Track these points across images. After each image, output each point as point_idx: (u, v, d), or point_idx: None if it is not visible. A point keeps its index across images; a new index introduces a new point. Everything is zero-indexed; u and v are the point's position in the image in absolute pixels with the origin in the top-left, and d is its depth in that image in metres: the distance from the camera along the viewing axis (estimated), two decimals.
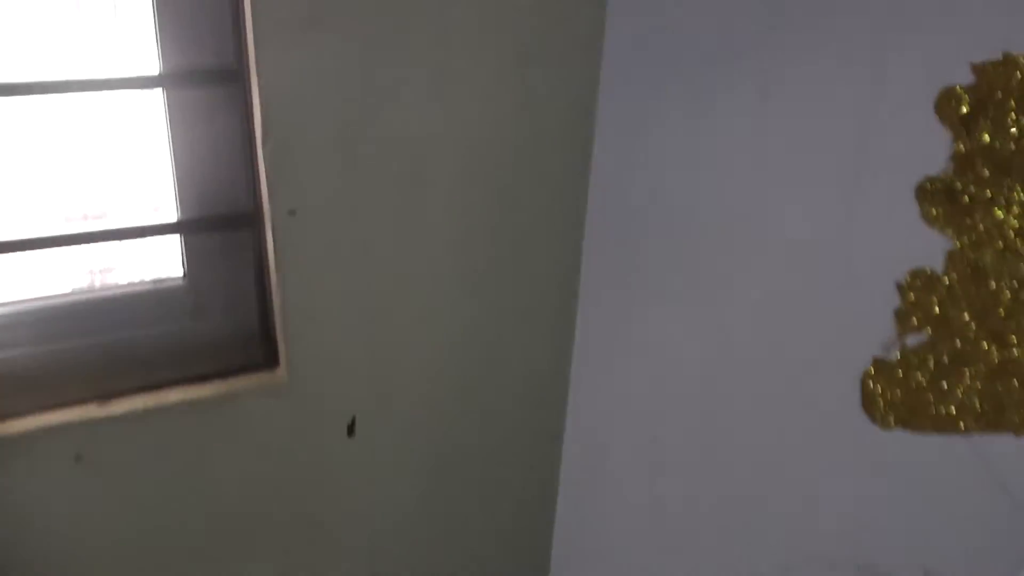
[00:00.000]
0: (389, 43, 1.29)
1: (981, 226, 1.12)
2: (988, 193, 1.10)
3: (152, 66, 1.29)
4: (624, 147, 1.45)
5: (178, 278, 1.40)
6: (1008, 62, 1.08)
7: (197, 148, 1.33)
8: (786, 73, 1.25)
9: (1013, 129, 1.08)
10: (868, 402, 1.23)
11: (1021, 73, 1.07)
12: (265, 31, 1.23)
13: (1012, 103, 1.08)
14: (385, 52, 1.30)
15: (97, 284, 1.40)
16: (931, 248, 1.15)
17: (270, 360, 1.42)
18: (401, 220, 1.39)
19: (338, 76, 1.28)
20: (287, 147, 1.28)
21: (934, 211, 1.14)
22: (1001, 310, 1.12)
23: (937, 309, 1.16)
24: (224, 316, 1.41)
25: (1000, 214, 1.10)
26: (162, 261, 1.42)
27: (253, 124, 1.30)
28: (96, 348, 1.34)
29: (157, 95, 1.31)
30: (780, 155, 1.27)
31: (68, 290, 1.36)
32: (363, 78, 1.29)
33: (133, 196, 1.43)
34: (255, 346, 1.43)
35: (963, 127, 1.12)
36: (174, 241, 1.38)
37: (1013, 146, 1.09)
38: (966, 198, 1.12)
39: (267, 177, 1.28)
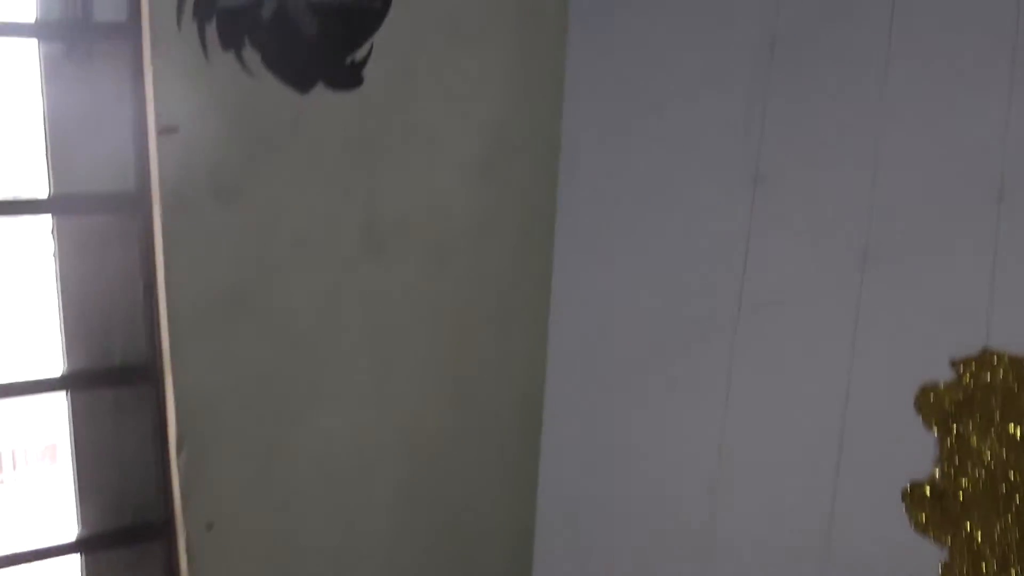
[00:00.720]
0: (318, 334, 1.20)
1: (977, 535, 1.01)
2: (982, 501, 1.00)
3: (56, 366, 1.18)
4: (573, 443, 1.35)
5: None
6: (987, 358, 1.00)
7: (104, 455, 1.19)
8: (753, 362, 1.17)
9: (1003, 431, 0.99)
10: None
11: (1002, 370, 0.99)
12: (182, 326, 1.13)
13: (995, 402, 1.00)
14: (313, 343, 1.20)
15: None
16: (924, 557, 1.05)
17: None
18: (328, 527, 1.26)
19: (259, 375, 1.18)
20: (203, 456, 1.15)
21: (923, 516, 1.04)
22: None
23: None
24: None
25: (996, 525, 1.00)
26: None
27: (167, 429, 1.17)
28: None
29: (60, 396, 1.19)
30: (749, 469, 1.17)
31: None
32: (287, 376, 1.19)
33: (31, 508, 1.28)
34: None
35: (947, 427, 1.03)
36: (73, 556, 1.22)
37: (1002, 449, 0.99)
38: (958, 504, 1.01)
39: (181, 489, 1.15)
